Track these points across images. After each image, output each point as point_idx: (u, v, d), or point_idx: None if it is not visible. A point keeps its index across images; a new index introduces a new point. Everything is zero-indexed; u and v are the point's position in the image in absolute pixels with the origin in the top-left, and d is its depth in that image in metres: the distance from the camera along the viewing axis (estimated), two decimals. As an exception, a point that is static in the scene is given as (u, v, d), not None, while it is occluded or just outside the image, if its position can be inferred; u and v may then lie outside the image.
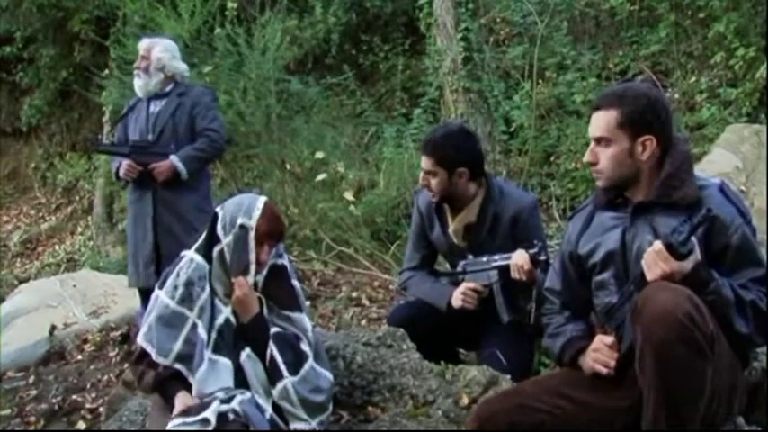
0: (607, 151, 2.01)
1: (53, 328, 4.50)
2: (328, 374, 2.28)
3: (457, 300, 2.75)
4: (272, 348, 2.20)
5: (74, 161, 10.03)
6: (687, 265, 1.81)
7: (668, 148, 1.99)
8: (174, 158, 3.83)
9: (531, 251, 2.60)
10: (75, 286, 5.17)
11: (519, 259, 2.62)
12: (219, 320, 2.23)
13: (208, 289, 2.23)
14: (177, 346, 2.19)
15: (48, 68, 9.96)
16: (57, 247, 9.24)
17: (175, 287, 2.24)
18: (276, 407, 2.18)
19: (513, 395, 2.12)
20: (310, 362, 2.23)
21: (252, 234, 2.22)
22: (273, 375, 2.19)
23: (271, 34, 6.60)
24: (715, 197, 1.94)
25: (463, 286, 2.76)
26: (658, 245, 1.82)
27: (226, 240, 2.24)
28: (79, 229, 9.53)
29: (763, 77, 5.28)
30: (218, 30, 6.75)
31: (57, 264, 8.55)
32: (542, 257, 2.60)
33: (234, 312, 2.25)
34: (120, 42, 7.21)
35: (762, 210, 3.51)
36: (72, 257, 8.66)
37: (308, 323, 2.31)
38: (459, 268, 2.84)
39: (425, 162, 2.77)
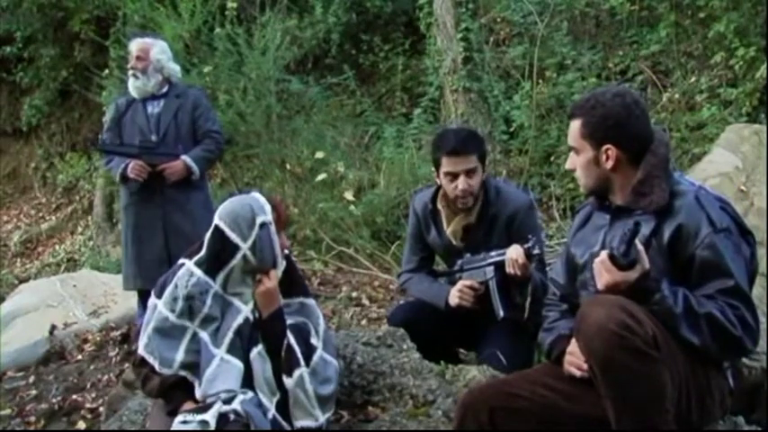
0: (578, 160, 2.06)
1: (53, 328, 4.50)
2: (335, 362, 2.31)
3: (454, 298, 2.76)
4: (290, 338, 2.22)
5: (74, 161, 10.03)
6: (632, 275, 1.82)
7: (641, 153, 1.99)
8: (186, 159, 3.88)
9: (526, 245, 2.61)
10: (75, 286, 5.16)
11: (513, 253, 2.63)
12: (239, 320, 2.23)
13: (209, 302, 2.23)
14: (179, 355, 2.20)
15: (48, 68, 9.95)
16: (57, 247, 9.24)
17: (174, 299, 2.23)
18: (279, 407, 2.18)
19: (496, 384, 2.17)
20: (319, 352, 2.27)
21: (273, 227, 2.27)
22: (291, 364, 2.20)
23: (271, 34, 6.61)
24: (687, 204, 1.93)
25: (460, 284, 2.78)
26: (603, 255, 1.85)
27: (247, 244, 2.23)
28: (79, 229, 9.53)
29: (763, 77, 5.28)
30: (218, 30, 6.75)
31: (57, 264, 8.55)
32: (536, 252, 2.61)
33: (253, 309, 2.25)
34: (120, 42, 7.21)
35: (762, 210, 3.50)
36: (72, 257, 8.66)
37: (318, 309, 2.38)
38: (456, 267, 2.85)
39: (466, 161, 2.74)
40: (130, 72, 3.99)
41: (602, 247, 2.01)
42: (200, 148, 3.95)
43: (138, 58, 3.97)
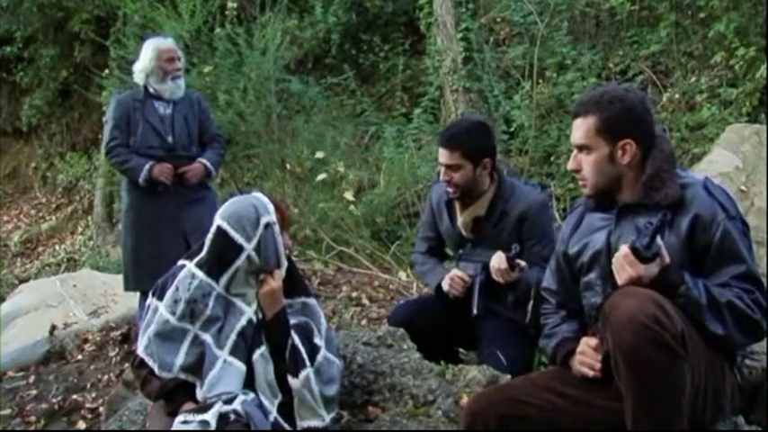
0: (589, 158, 2.02)
1: (53, 328, 4.50)
2: (339, 361, 2.31)
3: (445, 283, 2.82)
4: (294, 338, 2.22)
5: (74, 161, 10.04)
6: (654, 268, 1.81)
7: (650, 149, 1.99)
8: (205, 161, 3.98)
9: (509, 254, 2.63)
10: (75, 286, 5.17)
11: (495, 261, 2.67)
12: (242, 322, 2.21)
13: (212, 304, 2.21)
14: (179, 359, 2.18)
15: (48, 68, 9.97)
16: (57, 247, 9.25)
17: (175, 302, 2.20)
18: (281, 410, 2.18)
19: (503, 390, 2.14)
20: (323, 352, 2.26)
21: (277, 228, 2.26)
22: (297, 364, 2.19)
23: (271, 34, 6.61)
24: (698, 195, 1.94)
25: (453, 272, 2.83)
26: (625, 249, 1.84)
27: (252, 245, 2.21)
28: (79, 229, 9.54)
29: (763, 77, 5.28)
30: (218, 30, 6.77)
31: (57, 264, 8.56)
32: (519, 263, 2.64)
33: (256, 311, 2.24)
34: (120, 42, 7.22)
35: (762, 210, 3.51)
36: (72, 257, 8.67)
37: (320, 309, 2.38)
38: (460, 251, 2.92)
39: (448, 156, 2.76)
40: (174, 73, 3.96)
41: (608, 247, 2.00)
42: (212, 152, 4.05)
43: (179, 59, 4.01)
